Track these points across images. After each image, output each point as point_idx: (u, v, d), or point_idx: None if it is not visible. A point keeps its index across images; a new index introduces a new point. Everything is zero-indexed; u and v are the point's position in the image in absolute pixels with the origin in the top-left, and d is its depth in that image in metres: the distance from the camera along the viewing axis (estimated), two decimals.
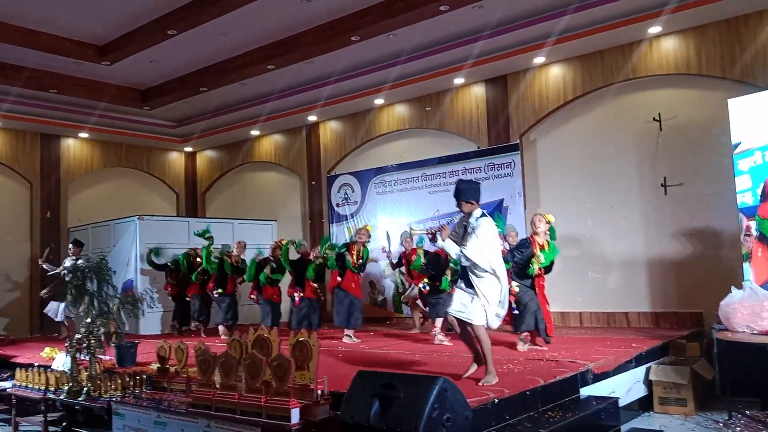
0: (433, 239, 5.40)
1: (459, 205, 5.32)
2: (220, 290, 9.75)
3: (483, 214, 5.24)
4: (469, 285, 5.17)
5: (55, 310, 10.18)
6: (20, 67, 10.08)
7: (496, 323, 5.21)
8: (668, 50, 8.81)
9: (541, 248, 6.85)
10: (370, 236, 9.25)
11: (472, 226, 5.17)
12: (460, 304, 5.21)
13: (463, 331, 5.31)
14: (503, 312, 5.27)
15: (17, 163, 12.61)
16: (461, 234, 5.27)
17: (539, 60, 9.77)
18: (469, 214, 5.26)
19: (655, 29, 8.66)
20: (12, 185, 12.66)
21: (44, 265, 10.47)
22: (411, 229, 5.18)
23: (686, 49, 8.66)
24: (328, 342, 8.31)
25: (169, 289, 10.85)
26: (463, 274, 5.25)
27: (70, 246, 10.58)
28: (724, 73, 8.33)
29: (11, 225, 12.52)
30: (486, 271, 5.09)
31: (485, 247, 5.07)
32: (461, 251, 5.11)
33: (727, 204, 7.79)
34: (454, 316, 5.27)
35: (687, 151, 8.69)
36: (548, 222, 6.97)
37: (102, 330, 6.29)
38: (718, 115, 8.04)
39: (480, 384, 5.00)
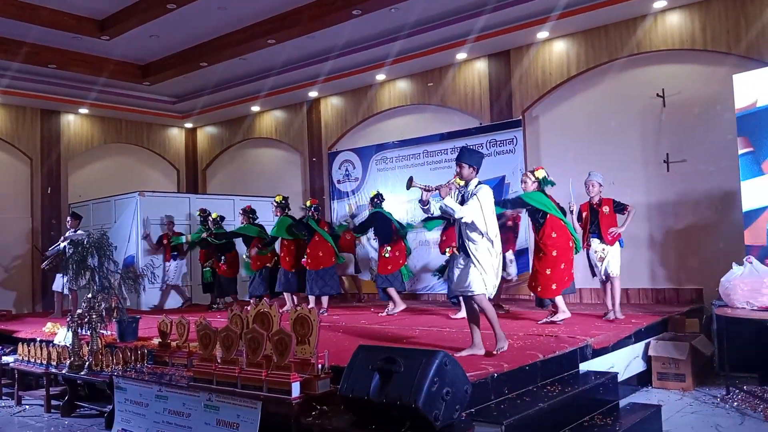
0: (424, 204, 5.38)
1: (459, 167, 5.29)
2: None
3: (480, 183, 5.29)
4: (465, 254, 5.19)
5: (61, 283, 10.22)
6: (19, 42, 9.98)
7: (491, 292, 5.24)
8: (673, 25, 8.71)
9: None
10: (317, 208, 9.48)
11: (471, 192, 5.20)
12: (459, 281, 5.23)
13: (470, 310, 5.32)
14: (497, 282, 5.29)
15: (17, 139, 12.57)
16: (459, 202, 5.26)
17: (543, 35, 9.66)
18: (467, 183, 5.29)
19: (660, 4, 8.56)
20: (12, 161, 12.63)
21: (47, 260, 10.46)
22: (412, 179, 5.16)
23: (691, 25, 8.56)
24: (328, 318, 8.34)
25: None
26: (460, 245, 5.26)
27: (69, 219, 10.62)
28: (729, 48, 8.24)
29: (12, 201, 12.52)
30: (482, 236, 5.11)
31: (484, 210, 5.11)
32: (462, 210, 5.09)
33: (730, 181, 7.77)
34: (459, 295, 5.29)
35: (690, 128, 8.62)
36: (536, 179, 6.98)
37: (103, 305, 6.33)
38: (722, 91, 7.97)
39: (495, 352, 5.12)
